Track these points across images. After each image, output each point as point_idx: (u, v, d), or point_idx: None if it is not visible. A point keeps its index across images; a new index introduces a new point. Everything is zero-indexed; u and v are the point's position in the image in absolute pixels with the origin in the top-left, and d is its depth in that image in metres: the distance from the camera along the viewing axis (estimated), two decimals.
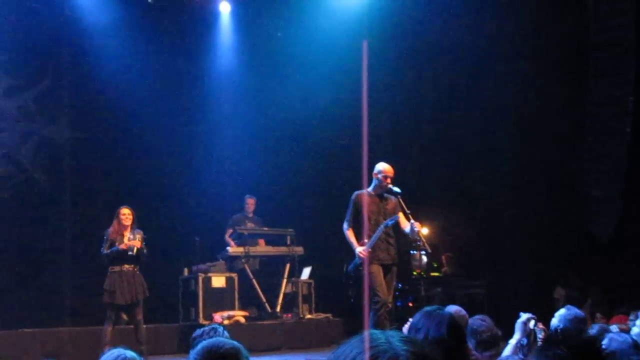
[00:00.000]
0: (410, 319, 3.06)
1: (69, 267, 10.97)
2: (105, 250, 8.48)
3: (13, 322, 9.61)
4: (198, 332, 4.00)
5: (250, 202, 11.38)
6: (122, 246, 8.40)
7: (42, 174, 11.44)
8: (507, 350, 3.86)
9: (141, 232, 8.58)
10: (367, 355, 0.94)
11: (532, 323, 3.89)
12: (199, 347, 2.31)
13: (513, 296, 10.23)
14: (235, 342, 2.37)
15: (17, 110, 11.43)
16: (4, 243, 10.61)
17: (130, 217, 8.57)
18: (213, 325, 4.15)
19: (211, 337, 4.01)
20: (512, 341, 3.89)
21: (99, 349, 7.45)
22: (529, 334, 3.84)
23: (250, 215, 11.38)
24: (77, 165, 11.53)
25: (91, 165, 11.61)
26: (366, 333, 1.00)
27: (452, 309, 4.19)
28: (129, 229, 8.54)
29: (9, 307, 10.13)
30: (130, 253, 8.40)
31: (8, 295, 10.32)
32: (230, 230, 11.18)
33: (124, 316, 8.97)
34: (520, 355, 3.73)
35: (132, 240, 8.40)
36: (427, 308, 2.96)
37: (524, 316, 3.94)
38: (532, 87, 11.02)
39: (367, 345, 0.96)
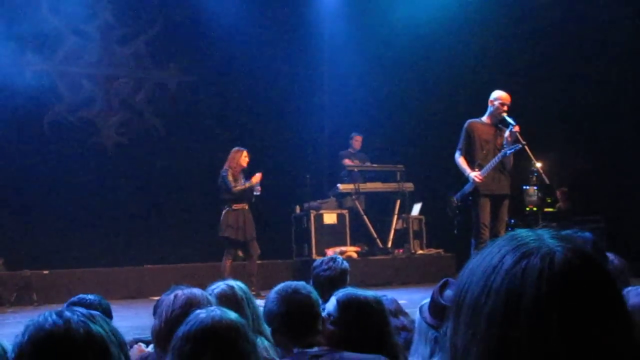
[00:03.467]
0: None
1: (188, 206, 11.40)
2: (237, 187, 8.62)
3: (137, 260, 10.18)
4: (317, 262, 4.07)
5: (357, 139, 11.34)
6: (255, 181, 8.55)
7: (156, 119, 11.86)
8: None
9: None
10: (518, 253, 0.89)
11: None
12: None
13: (634, 232, 9.77)
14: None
15: (130, 58, 11.83)
16: (127, 186, 11.14)
17: (248, 159, 8.75)
18: (333, 256, 4.19)
19: (330, 267, 4.07)
20: None
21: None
22: None
23: (356, 152, 11.34)
24: (188, 109, 11.85)
25: (201, 108, 11.91)
26: (513, 232, 0.94)
27: None
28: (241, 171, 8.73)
29: (132, 245, 10.72)
30: (255, 193, 8.62)
31: (130, 234, 10.90)
32: (348, 160, 11.14)
33: (240, 252, 9.29)
34: None
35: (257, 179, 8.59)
36: (564, 232, 2.82)
37: None
38: None
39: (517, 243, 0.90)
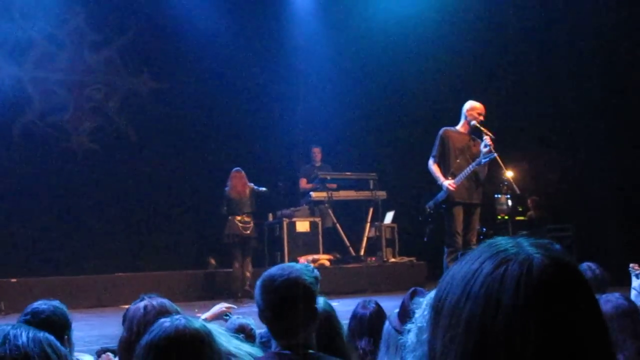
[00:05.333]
0: None
1: (159, 214, 11.33)
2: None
3: (109, 268, 10.08)
4: None
5: (317, 152, 11.41)
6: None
7: (128, 125, 11.78)
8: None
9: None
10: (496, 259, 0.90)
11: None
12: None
13: (602, 240, 9.91)
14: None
15: (103, 64, 11.74)
16: (98, 193, 11.03)
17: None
18: (308, 266, 4.18)
19: None
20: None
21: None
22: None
23: (318, 164, 11.40)
24: (160, 116, 11.79)
25: (172, 114, 11.85)
26: (492, 239, 0.95)
27: None
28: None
29: (102, 252, 10.60)
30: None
31: (100, 241, 10.78)
32: (305, 180, 11.24)
33: (212, 260, 9.38)
34: None
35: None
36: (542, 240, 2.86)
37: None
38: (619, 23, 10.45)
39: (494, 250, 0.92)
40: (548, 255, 0.90)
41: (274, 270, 2.39)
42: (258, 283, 2.38)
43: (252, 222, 9.54)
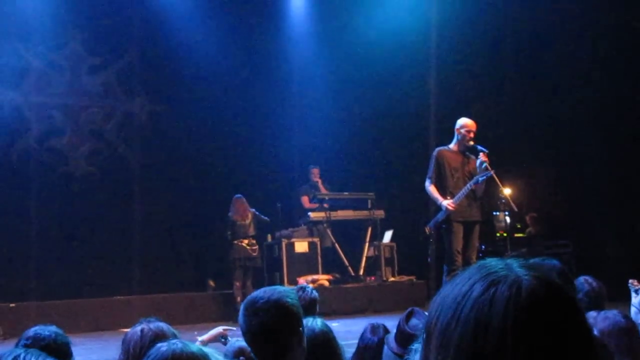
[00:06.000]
0: None
1: (158, 236, 11.32)
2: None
3: (108, 291, 10.04)
4: None
5: (315, 172, 11.44)
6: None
7: (126, 148, 11.80)
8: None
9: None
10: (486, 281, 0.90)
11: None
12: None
13: (601, 255, 9.90)
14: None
15: (100, 87, 11.79)
16: (96, 216, 11.03)
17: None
18: (302, 285, 4.19)
19: (299, 296, 4.04)
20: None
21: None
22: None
23: (318, 184, 11.42)
24: (158, 138, 11.82)
25: (170, 137, 11.88)
26: (483, 261, 0.96)
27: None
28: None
29: (101, 276, 10.57)
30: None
31: (98, 265, 10.75)
32: (307, 198, 11.26)
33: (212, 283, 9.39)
34: None
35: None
36: (533, 260, 2.86)
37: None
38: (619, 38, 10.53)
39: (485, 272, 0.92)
40: (537, 276, 0.90)
41: (257, 292, 2.35)
42: (242, 306, 2.34)
43: (257, 245, 9.95)
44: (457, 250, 7.10)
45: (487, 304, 0.87)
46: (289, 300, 2.30)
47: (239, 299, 9.38)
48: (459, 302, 0.90)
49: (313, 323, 2.59)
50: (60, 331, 2.89)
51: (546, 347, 0.85)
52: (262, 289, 2.37)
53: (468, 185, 7.12)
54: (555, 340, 0.86)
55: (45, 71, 11.34)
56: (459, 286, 0.92)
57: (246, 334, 2.29)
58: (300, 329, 2.32)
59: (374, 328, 3.26)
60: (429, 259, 8.09)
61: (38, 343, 2.74)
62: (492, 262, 0.94)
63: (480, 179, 7.06)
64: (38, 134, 11.26)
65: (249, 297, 2.35)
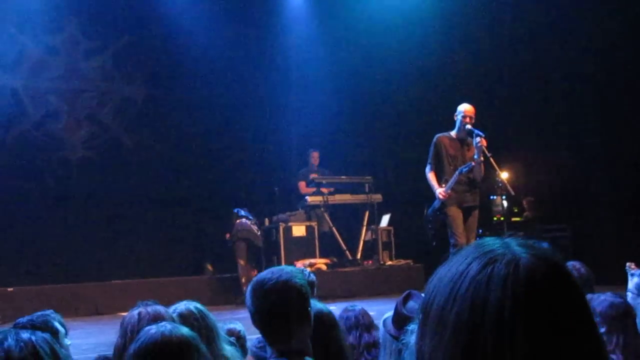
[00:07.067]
0: None
1: (156, 220, 11.32)
2: None
3: (106, 275, 10.06)
4: None
5: (315, 155, 11.42)
6: None
7: (123, 132, 11.77)
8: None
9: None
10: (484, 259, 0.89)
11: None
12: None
13: (599, 239, 9.92)
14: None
15: (97, 71, 11.73)
16: (93, 200, 11.02)
17: None
18: (300, 269, 4.19)
19: None
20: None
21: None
22: None
23: (316, 168, 11.41)
24: (154, 122, 11.79)
25: (167, 120, 11.85)
26: (480, 240, 0.95)
27: None
28: None
29: (98, 260, 10.58)
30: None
31: (96, 249, 10.76)
32: (304, 183, 11.25)
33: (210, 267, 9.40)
34: None
35: None
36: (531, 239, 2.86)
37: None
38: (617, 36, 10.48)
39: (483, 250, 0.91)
40: (535, 254, 0.89)
41: (264, 274, 2.35)
42: (249, 287, 2.34)
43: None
44: (458, 232, 7.16)
45: (484, 282, 0.86)
46: (298, 280, 2.30)
47: (243, 279, 9.42)
48: (455, 281, 0.89)
49: (315, 304, 2.59)
50: (48, 319, 2.86)
51: (545, 324, 0.85)
52: (270, 270, 2.37)
53: (454, 175, 7.17)
54: (553, 318, 0.85)
55: (41, 55, 11.28)
56: (456, 265, 0.91)
57: (254, 315, 2.29)
58: (309, 308, 2.32)
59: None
60: (433, 243, 8.11)
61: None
62: (490, 241, 0.93)
63: (463, 170, 7.11)
64: (34, 119, 11.22)
65: (256, 278, 2.35)
